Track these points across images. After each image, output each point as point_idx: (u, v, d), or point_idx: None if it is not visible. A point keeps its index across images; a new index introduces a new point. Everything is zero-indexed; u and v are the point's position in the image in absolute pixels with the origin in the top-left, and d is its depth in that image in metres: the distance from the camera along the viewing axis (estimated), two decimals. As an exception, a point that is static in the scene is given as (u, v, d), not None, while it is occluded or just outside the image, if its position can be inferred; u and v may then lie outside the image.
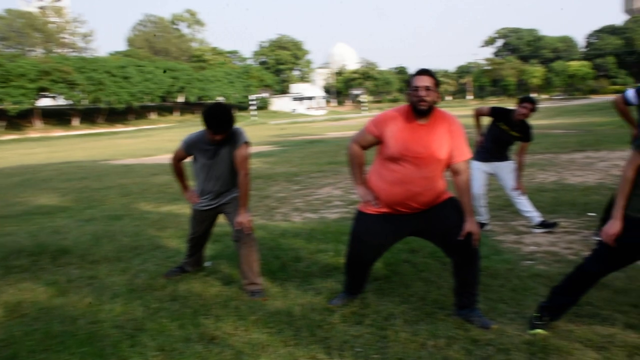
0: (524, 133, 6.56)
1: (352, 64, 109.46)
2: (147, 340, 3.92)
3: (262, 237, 6.59)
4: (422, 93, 3.74)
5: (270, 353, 3.69)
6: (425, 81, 3.78)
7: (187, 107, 79.00)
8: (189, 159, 5.00)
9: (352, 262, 4.41)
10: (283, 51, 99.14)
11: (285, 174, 13.54)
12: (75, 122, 64.41)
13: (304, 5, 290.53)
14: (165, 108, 77.38)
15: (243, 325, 4.13)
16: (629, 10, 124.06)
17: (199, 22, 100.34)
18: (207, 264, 5.60)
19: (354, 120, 56.52)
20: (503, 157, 6.79)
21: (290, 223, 7.84)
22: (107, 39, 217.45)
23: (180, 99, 78.24)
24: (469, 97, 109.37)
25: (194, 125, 50.57)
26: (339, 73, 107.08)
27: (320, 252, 5.90)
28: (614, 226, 3.54)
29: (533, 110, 6.48)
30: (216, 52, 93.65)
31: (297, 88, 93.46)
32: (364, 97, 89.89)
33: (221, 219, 5.19)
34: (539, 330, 3.79)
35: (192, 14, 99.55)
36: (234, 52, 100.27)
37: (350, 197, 9.75)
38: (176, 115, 76.25)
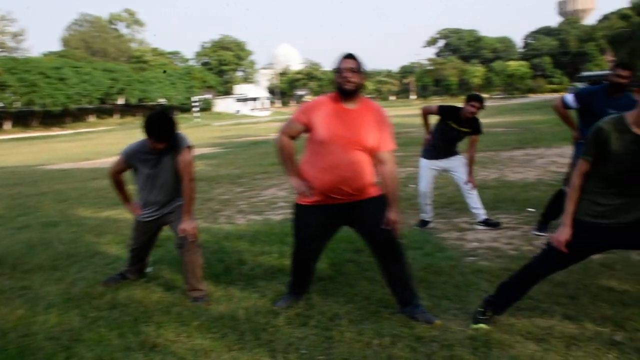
0: (474, 127, 6.67)
1: (296, 65, 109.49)
2: (84, 351, 3.81)
3: (206, 240, 6.50)
4: (348, 74, 3.82)
5: (214, 359, 3.65)
6: (350, 63, 3.87)
7: (127, 110, 77.19)
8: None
9: (297, 258, 4.42)
10: (226, 52, 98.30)
11: (229, 176, 13.41)
12: (7, 125, 62.00)
13: (247, 5, 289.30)
14: (104, 110, 75.44)
15: (185, 331, 4.06)
16: (562, 13, 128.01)
17: (138, 22, 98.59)
18: (148, 269, 5.46)
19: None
20: (452, 153, 6.88)
21: (234, 225, 7.75)
22: (40, 39, 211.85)
23: (121, 101, 76.56)
24: (412, 96, 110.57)
25: (135, 128, 49.59)
26: (283, 74, 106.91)
27: (265, 254, 5.85)
28: (564, 233, 3.61)
29: (481, 107, 6.58)
30: (157, 52, 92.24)
31: (240, 89, 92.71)
32: (308, 98, 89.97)
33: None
34: (482, 325, 3.85)
35: (131, 13, 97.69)
36: (175, 53, 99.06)
37: (295, 198, 9.67)
38: (116, 118, 74.48)
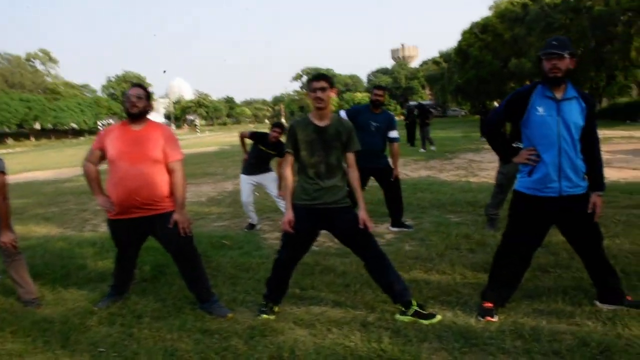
0: (278, 150, 6.52)
1: (188, 95, 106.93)
2: None
3: (61, 247, 5.93)
4: (134, 100, 3.69)
5: (17, 362, 3.18)
6: (136, 91, 3.75)
7: (43, 133, 72.01)
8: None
9: (118, 263, 4.08)
10: (128, 84, 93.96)
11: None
12: None
13: (145, 45, 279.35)
14: (22, 134, 69.89)
15: (1, 336, 3.55)
16: (395, 58, 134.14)
17: (52, 60, 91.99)
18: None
19: (189, 140, 54.94)
20: (265, 170, 6.69)
21: (94, 233, 7.14)
22: None
23: (37, 125, 71.32)
24: (283, 120, 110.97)
25: (49, 149, 46.22)
26: (177, 102, 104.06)
27: (105, 259, 5.33)
28: (287, 215, 3.53)
29: (282, 133, 6.46)
30: (69, 85, 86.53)
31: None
32: (198, 122, 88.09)
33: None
34: (264, 316, 3.65)
35: (46, 53, 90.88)
36: (85, 86, 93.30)
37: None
38: (33, 141, 69.17)
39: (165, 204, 3.74)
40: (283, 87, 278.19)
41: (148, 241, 4.12)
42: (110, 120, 76.53)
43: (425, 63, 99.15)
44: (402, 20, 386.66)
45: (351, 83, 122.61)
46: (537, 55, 3.38)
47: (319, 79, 3.49)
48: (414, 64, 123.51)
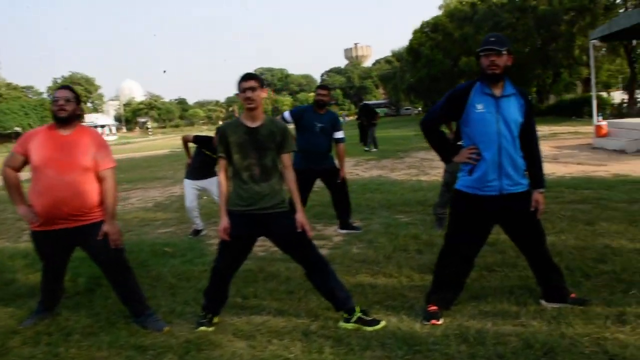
0: None
1: (139, 96, 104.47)
2: None
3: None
4: (61, 102, 3.41)
5: None
6: (63, 93, 3.46)
7: (-15, 137, 69.33)
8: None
9: (43, 277, 3.81)
10: (76, 86, 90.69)
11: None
12: None
13: (94, 44, 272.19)
14: (-40, 139, 67.14)
15: None
16: (348, 57, 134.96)
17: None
18: None
19: (141, 143, 53.78)
20: (210, 175, 6.47)
21: (28, 244, 6.72)
22: None
23: (-22, 129, 68.34)
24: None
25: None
26: (127, 104, 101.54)
27: (37, 272, 4.95)
28: (222, 222, 3.37)
29: None
30: (11, 87, 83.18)
31: (90, 117, 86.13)
32: (150, 124, 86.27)
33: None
34: (203, 328, 3.46)
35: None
36: (29, 87, 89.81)
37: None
38: (-25, 144, 66.38)
39: (95, 214, 3.51)
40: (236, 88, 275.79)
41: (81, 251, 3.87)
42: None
43: (378, 62, 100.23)
44: (355, 20, 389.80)
45: (305, 83, 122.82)
46: (475, 52, 3.32)
47: (247, 79, 3.31)
48: (367, 63, 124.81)
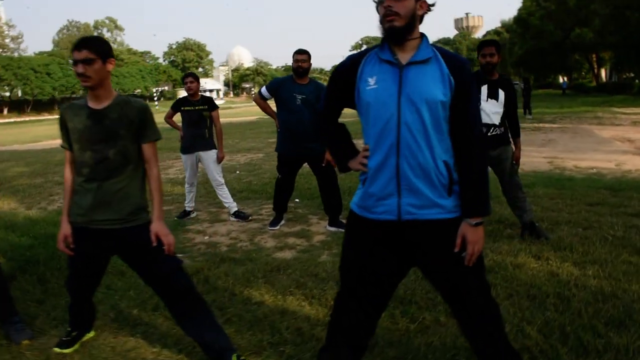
0: (207, 103, 6.06)
1: (248, 62, 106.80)
2: None
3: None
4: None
5: None
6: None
7: (107, 98, 74.52)
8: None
9: None
10: (189, 52, 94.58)
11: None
12: (5, 111, 60.66)
13: (209, 12, 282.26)
14: (85, 100, 72.72)
15: None
16: (458, 27, 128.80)
17: (118, 27, 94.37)
18: None
19: (244, 107, 55.32)
20: (204, 144, 5.86)
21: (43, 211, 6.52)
22: (36, 41, 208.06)
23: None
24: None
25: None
26: (235, 70, 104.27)
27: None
28: (62, 229, 2.58)
29: (195, 82, 6.06)
30: (131, 52, 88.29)
31: (201, 82, 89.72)
32: (254, 90, 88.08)
33: None
34: (57, 349, 2.84)
35: (113, 21, 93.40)
36: (147, 52, 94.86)
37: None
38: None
39: None
40: (341, 55, 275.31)
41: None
42: (165, 87, 77.92)
43: (488, 33, 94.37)
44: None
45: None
46: (374, 1, 1.97)
47: (80, 48, 2.36)
48: (479, 34, 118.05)
